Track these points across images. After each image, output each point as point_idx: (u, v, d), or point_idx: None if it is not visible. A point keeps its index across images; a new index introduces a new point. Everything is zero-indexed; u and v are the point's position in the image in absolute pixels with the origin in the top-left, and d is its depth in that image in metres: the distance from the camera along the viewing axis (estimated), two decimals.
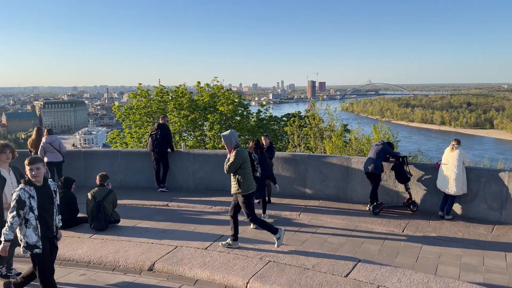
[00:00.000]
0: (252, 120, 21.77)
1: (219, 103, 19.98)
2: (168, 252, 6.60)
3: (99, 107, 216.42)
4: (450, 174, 8.25)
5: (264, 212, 8.66)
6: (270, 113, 23.73)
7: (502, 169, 9.48)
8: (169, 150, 10.90)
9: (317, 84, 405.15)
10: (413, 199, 8.85)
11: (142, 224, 8.19)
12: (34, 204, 4.68)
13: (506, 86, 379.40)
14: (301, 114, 22.65)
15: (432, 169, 8.82)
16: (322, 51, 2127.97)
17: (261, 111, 22.66)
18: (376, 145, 9.13)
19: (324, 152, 14.99)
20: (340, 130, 16.15)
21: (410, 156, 13.76)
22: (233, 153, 6.60)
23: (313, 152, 15.41)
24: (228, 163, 6.64)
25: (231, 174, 6.71)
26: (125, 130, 21.08)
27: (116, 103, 31.12)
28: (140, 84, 22.31)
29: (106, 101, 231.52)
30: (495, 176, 8.19)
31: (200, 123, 20.39)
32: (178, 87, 21.30)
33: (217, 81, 21.85)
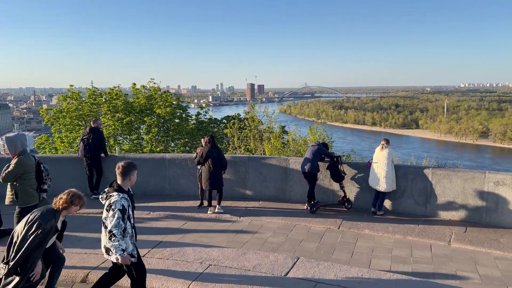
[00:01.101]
0: (192, 122, 21.49)
1: (156, 105, 19.51)
2: (103, 262, 6.29)
3: (25, 110, 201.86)
4: (381, 172, 8.72)
5: (210, 205, 8.88)
6: (210, 115, 23.56)
7: (427, 166, 10.20)
8: (102, 154, 10.44)
9: (256, 87, 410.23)
10: (347, 197, 9.24)
11: (75, 233, 7.73)
12: (131, 212, 4.54)
13: (429, 88, 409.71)
14: (241, 117, 22.70)
15: (364, 168, 9.27)
16: (260, 54, 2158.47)
17: (201, 114, 22.45)
18: (312, 145, 9.41)
19: (264, 154, 15.17)
20: (278, 132, 16.44)
21: (344, 156, 14.36)
22: (15, 161, 6.05)
23: (253, 154, 15.54)
24: (6, 171, 6.04)
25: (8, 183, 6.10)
26: (54, 135, 19.90)
27: (45, 106, 29.29)
28: (71, 86, 21.23)
29: (33, 104, 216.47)
30: (420, 173, 8.79)
31: (136, 126, 19.76)
32: (112, 89, 20.50)
33: (154, 83, 21.37)
